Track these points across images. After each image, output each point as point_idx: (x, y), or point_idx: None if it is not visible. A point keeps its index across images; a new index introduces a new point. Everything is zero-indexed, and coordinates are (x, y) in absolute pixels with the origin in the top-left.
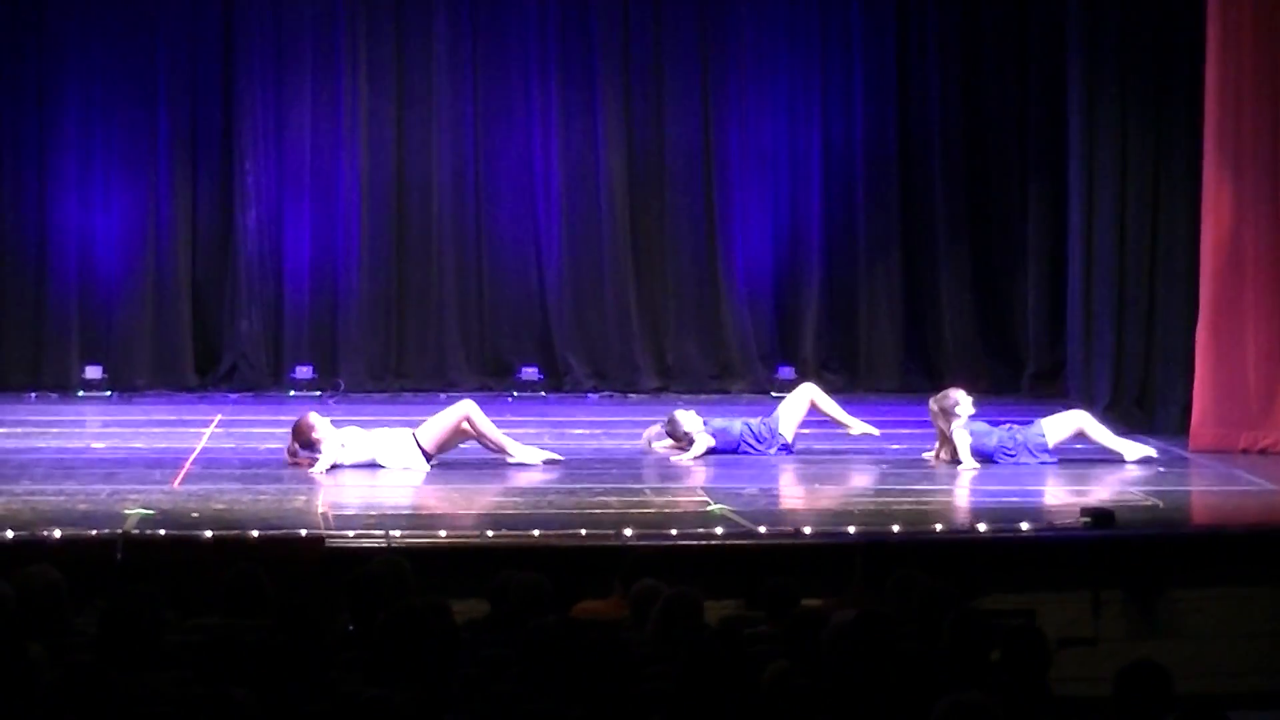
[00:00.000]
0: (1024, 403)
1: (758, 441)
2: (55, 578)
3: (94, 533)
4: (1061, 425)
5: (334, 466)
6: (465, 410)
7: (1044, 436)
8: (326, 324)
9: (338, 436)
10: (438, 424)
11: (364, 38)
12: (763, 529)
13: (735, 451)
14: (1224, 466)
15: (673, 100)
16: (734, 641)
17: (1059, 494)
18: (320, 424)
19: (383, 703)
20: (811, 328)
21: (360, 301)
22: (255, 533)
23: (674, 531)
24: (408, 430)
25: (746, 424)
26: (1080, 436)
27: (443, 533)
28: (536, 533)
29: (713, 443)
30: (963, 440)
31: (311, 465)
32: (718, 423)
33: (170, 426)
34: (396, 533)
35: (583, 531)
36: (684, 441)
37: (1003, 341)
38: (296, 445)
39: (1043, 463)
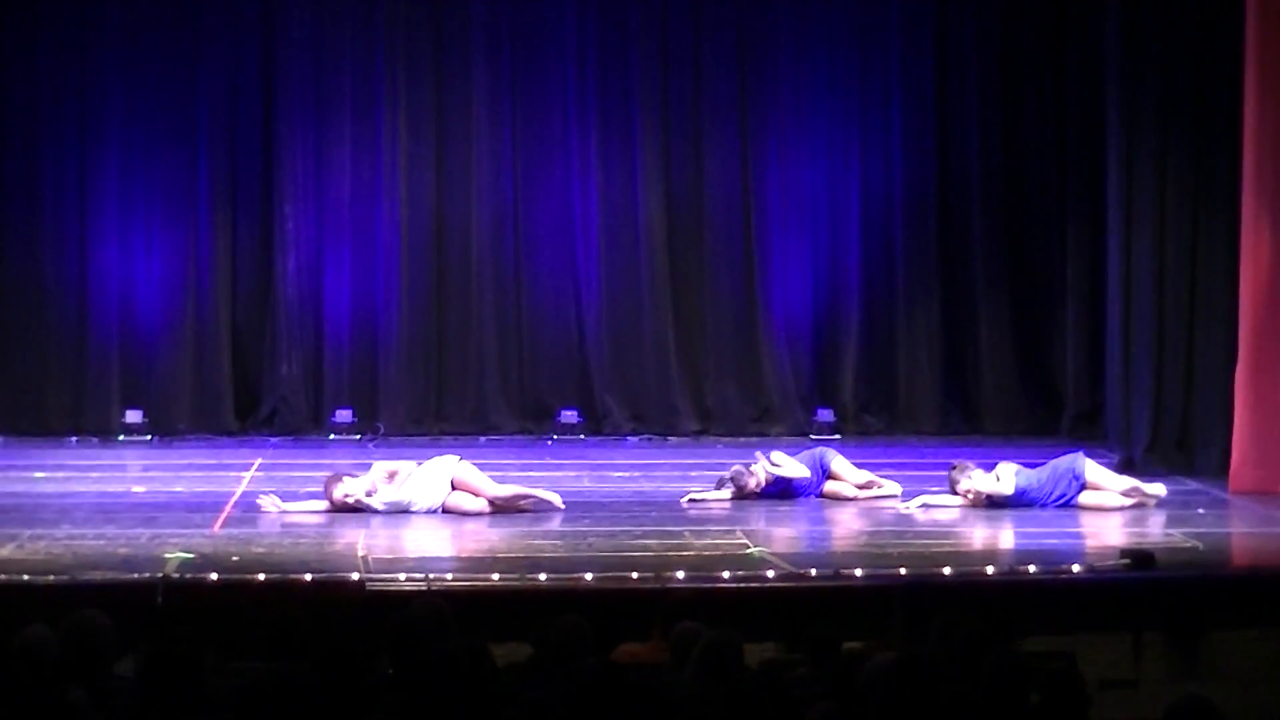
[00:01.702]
0: (1064, 444)
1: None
2: (104, 623)
3: (135, 577)
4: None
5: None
6: (481, 505)
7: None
8: (366, 368)
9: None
10: (464, 502)
11: (403, 83)
12: (802, 571)
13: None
14: (1264, 508)
15: (711, 145)
16: (774, 684)
17: (1099, 536)
18: (348, 486)
19: None
20: (850, 371)
21: (400, 345)
22: (295, 576)
23: (714, 574)
24: (445, 482)
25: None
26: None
27: (483, 576)
28: (577, 576)
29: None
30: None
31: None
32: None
33: (210, 470)
34: (436, 576)
35: (623, 574)
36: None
37: (1042, 384)
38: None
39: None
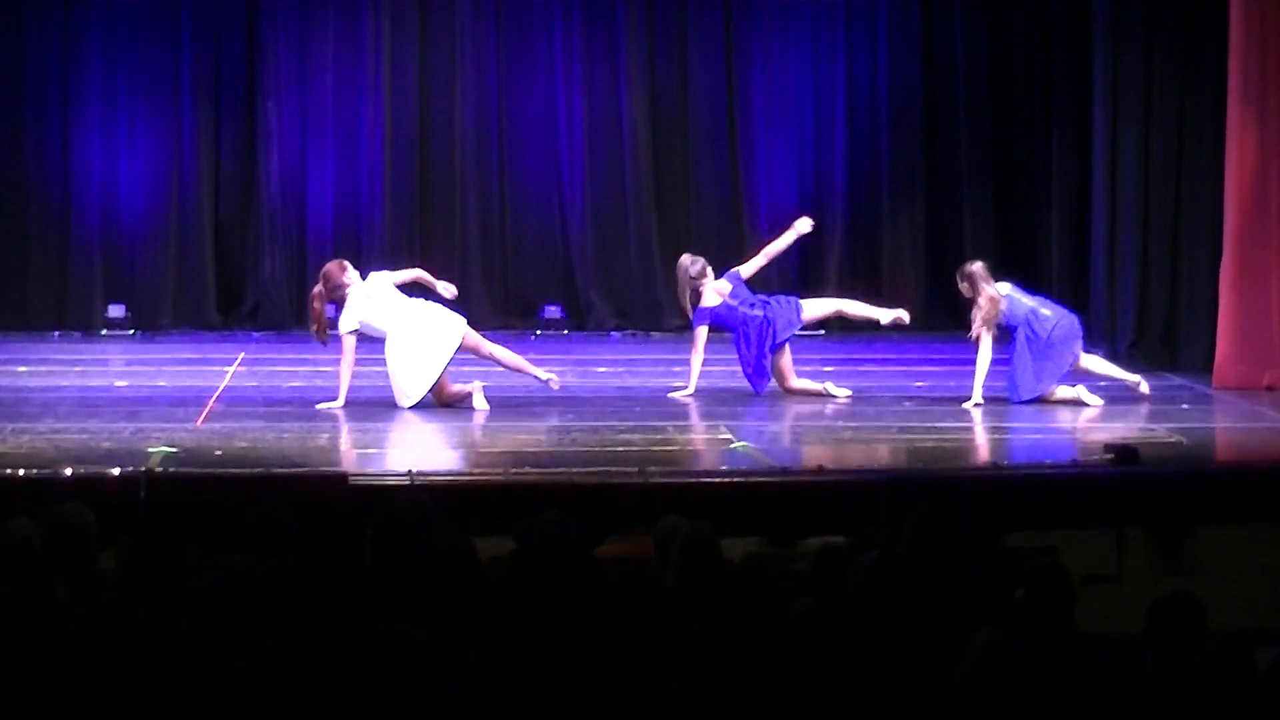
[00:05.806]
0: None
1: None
2: (87, 516)
3: (117, 471)
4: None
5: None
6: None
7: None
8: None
9: (364, 290)
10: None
11: None
12: (787, 466)
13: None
14: (1247, 404)
15: (696, 43)
16: (758, 580)
17: (1083, 431)
18: (350, 274)
19: (407, 641)
20: (835, 269)
21: (383, 242)
22: (279, 471)
23: (698, 469)
24: (456, 334)
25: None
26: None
27: (467, 470)
28: (561, 470)
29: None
30: (984, 355)
31: (328, 325)
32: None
33: (194, 365)
34: (421, 470)
35: (607, 469)
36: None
37: (1027, 283)
38: (323, 290)
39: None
